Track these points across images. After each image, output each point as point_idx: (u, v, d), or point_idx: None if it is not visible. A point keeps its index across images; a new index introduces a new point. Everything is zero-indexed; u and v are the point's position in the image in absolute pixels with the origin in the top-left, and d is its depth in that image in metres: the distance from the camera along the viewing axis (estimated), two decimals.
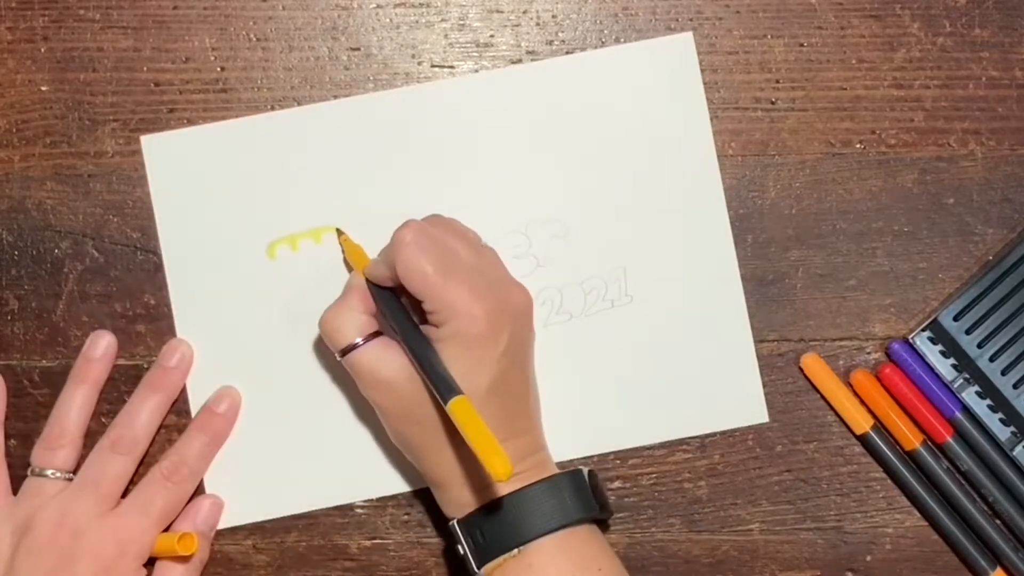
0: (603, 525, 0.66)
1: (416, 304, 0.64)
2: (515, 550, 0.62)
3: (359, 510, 0.70)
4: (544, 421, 0.69)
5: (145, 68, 0.71)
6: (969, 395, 0.70)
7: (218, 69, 0.71)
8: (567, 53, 0.71)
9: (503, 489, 0.63)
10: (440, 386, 0.61)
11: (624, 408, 0.70)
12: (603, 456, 0.70)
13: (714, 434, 0.70)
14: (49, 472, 0.66)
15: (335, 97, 0.71)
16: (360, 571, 0.70)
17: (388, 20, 0.71)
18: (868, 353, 0.71)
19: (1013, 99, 0.71)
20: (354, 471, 0.70)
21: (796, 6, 0.71)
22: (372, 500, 0.70)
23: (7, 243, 0.71)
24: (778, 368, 0.71)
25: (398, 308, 0.65)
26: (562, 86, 0.71)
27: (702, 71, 0.71)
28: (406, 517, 0.71)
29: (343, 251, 0.70)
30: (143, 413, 0.68)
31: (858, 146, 0.71)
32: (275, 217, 0.70)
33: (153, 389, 0.69)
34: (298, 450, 0.70)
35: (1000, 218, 0.71)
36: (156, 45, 0.71)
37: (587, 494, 0.64)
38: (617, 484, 0.71)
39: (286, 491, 0.70)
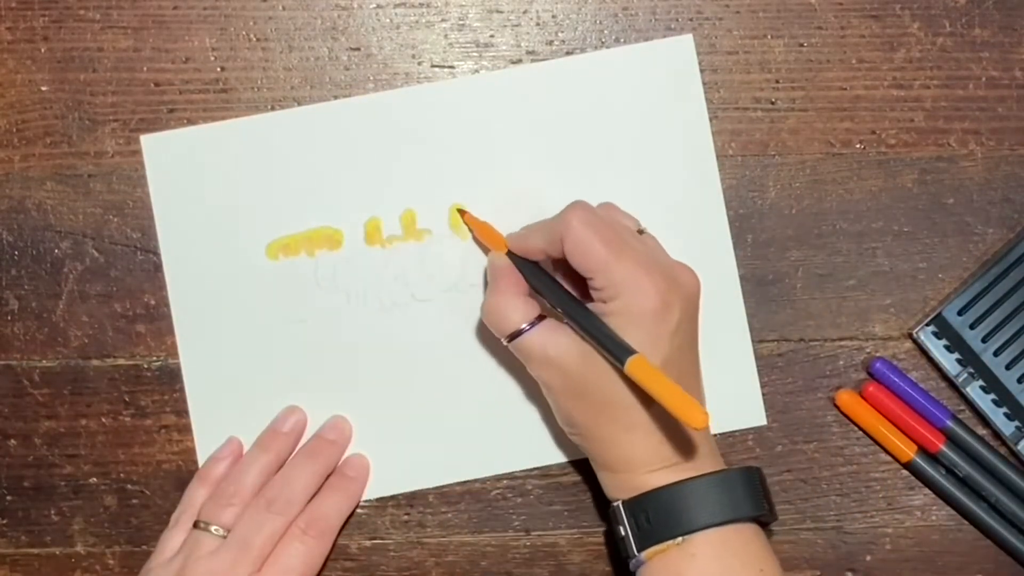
0: (766, 529, 0.65)
1: (575, 282, 0.64)
2: (680, 538, 0.61)
3: (359, 510, 0.70)
4: (544, 425, 0.69)
5: (145, 68, 0.71)
6: (974, 389, 0.70)
7: (218, 69, 0.71)
8: (567, 53, 0.71)
9: (672, 477, 0.62)
10: (614, 350, 0.61)
11: None
12: None
13: (714, 435, 0.70)
14: (213, 528, 0.66)
15: (335, 97, 0.71)
16: (360, 571, 0.70)
17: (388, 20, 0.71)
18: (868, 353, 0.71)
19: (1013, 99, 0.71)
20: (356, 472, 0.70)
21: (796, 6, 0.71)
22: (372, 500, 0.70)
23: (7, 243, 0.71)
24: (778, 368, 0.71)
25: (553, 282, 0.65)
26: (563, 87, 0.71)
27: (702, 71, 0.71)
28: (406, 517, 0.71)
29: (471, 231, 0.70)
30: (298, 476, 0.68)
31: (858, 146, 0.71)
32: (274, 217, 0.70)
33: (309, 456, 0.69)
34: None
35: (1000, 218, 0.71)
36: (156, 45, 0.71)
37: (758, 492, 0.63)
38: None
39: None
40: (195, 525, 0.67)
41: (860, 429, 0.70)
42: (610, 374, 0.62)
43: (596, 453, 0.65)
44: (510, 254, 0.66)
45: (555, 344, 0.63)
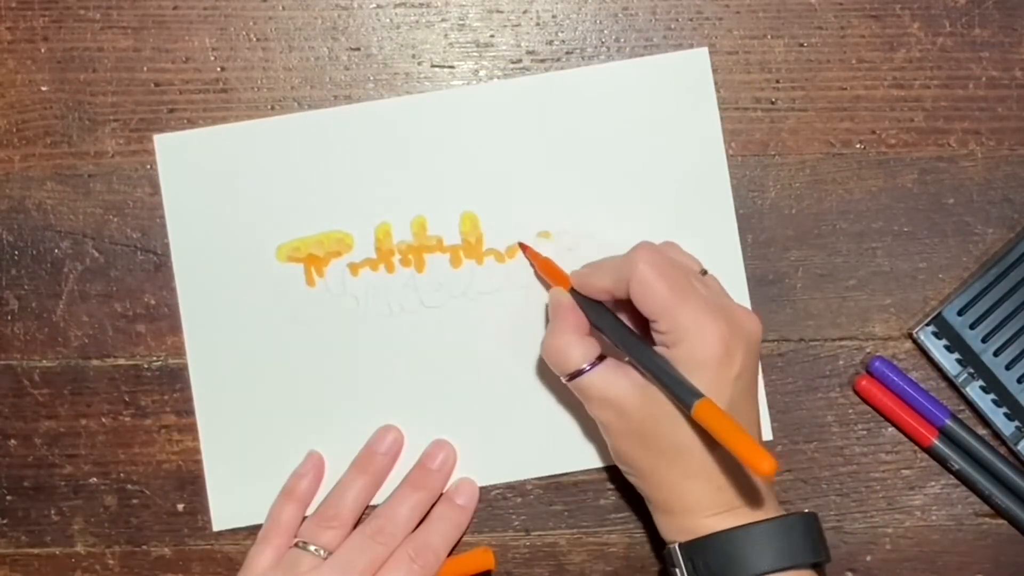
0: (820, 569, 0.65)
1: (639, 323, 0.64)
2: None
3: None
4: (547, 432, 0.69)
5: (145, 68, 0.71)
6: (973, 390, 0.70)
7: (218, 69, 0.71)
8: (567, 53, 0.71)
9: (729, 522, 0.62)
10: (681, 392, 0.60)
11: None
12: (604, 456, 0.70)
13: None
14: (312, 548, 0.67)
15: (335, 97, 0.71)
16: None
17: (388, 20, 0.71)
18: (868, 353, 0.71)
19: (1013, 99, 0.71)
20: None
21: (796, 6, 0.71)
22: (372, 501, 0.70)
23: (7, 243, 0.71)
24: (778, 368, 0.71)
25: (617, 322, 0.65)
26: (578, 97, 0.71)
27: None
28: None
29: (533, 266, 0.70)
30: (403, 508, 0.68)
31: (858, 146, 0.71)
32: (285, 220, 0.70)
33: (414, 488, 0.69)
34: (302, 453, 0.70)
35: (1000, 218, 0.71)
36: (156, 45, 0.71)
37: (815, 537, 0.63)
38: (617, 484, 0.70)
39: None
40: (295, 544, 0.67)
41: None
42: (672, 418, 0.62)
43: (653, 495, 0.64)
44: (573, 292, 0.66)
45: (616, 385, 0.63)
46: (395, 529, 0.67)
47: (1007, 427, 0.70)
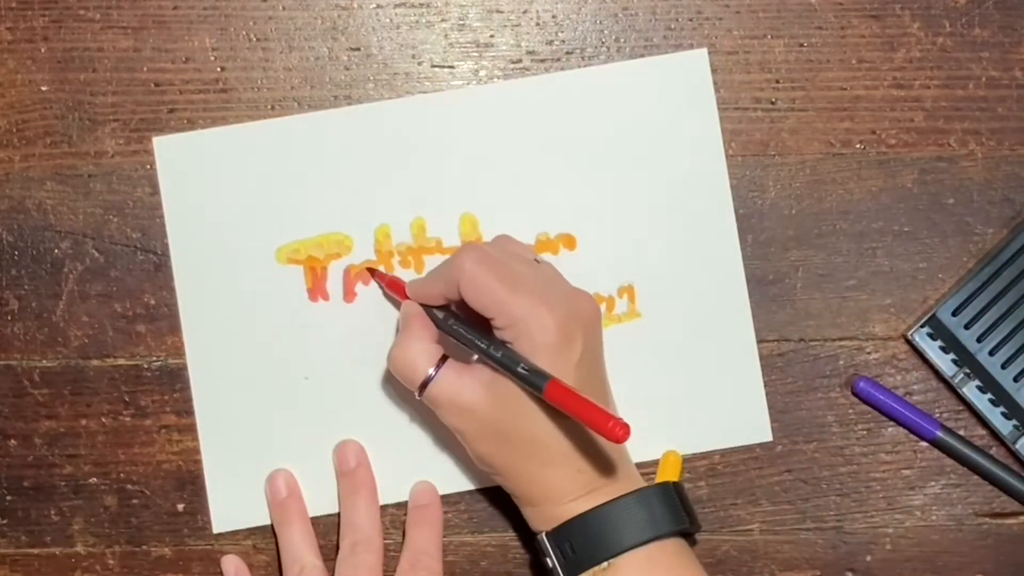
0: (690, 539, 0.66)
1: (479, 323, 0.64)
2: (605, 563, 0.62)
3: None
4: None
5: (145, 68, 0.71)
6: (970, 390, 0.70)
7: (218, 69, 0.71)
8: (567, 53, 0.71)
9: (591, 502, 0.63)
10: (531, 378, 0.61)
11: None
12: None
13: (719, 449, 0.71)
14: None
15: (335, 97, 0.71)
16: None
17: (388, 20, 0.71)
18: (868, 353, 0.71)
19: (1013, 99, 0.71)
20: None
21: (796, 6, 0.71)
22: None
23: (7, 243, 0.71)
24: (778, 368, 0.71)
25: (462, 323, 0.65)
26: (577, 98, 0.71)
27: None
28: (406, 518, 0.71)
29: (382, 288, 0.70)
30: (357, 514, 0.69)
31: (858, 146, 0.71)
32: (285, 222, 0.70)
33: (352, 493, 0.69)
34: (302, 453, 0.70)
35: (1000, 218, 0.71)
36: (156, 45, 0.71)
37: (677, 507, 0.64)
38: None
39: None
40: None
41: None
42: (525, 409, 0.62)
43: (516, 489, 0.65)
44: (423, 304, 0.67)
45: (464, 388, 0.63)
46: (366, 535, 0.68)
47: (1005, 426, 0.70)
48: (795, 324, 0.71)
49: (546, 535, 0.64)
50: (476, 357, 0.64)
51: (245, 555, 0.70)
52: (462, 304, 0.64)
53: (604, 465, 0.63)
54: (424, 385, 0.64)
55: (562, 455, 0.63)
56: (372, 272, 0.70)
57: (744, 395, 0.70)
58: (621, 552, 0.62)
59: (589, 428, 0.60)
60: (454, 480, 0.70)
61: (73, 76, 0.71)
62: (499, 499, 0.70)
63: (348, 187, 0.70)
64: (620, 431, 0.58)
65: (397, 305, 0.69)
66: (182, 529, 0.71)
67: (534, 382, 0.61)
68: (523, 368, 0.61)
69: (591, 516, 0.62)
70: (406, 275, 0.70)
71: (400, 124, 0.71)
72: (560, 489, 0.63)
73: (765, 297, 0.71)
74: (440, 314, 0.66)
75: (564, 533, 0.63)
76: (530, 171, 0.71)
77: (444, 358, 0.64)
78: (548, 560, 0.64)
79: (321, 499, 0.70)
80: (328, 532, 0.70)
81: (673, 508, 0.64)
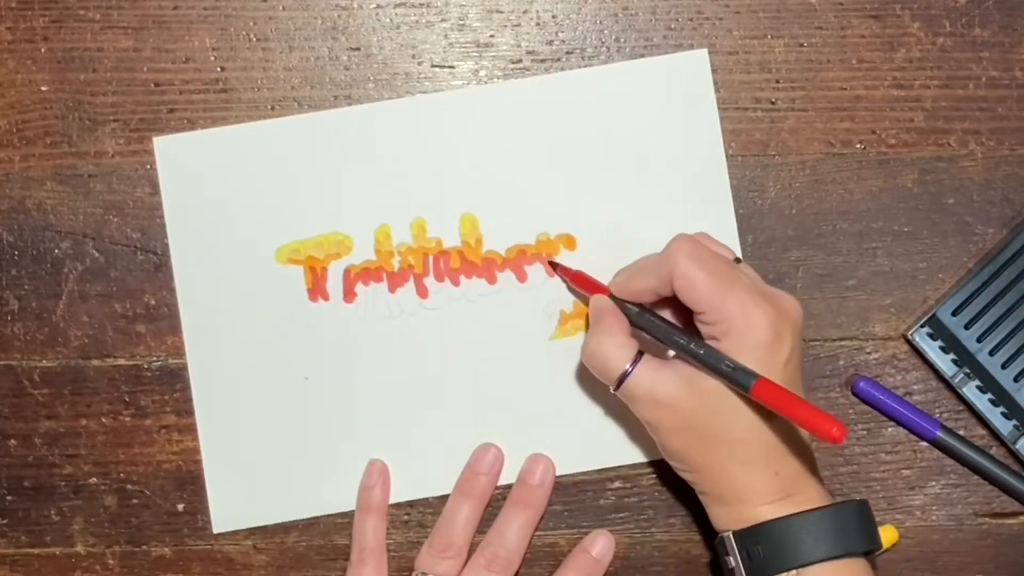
0: (870, 558, 0.65)
1: (681, 319, 0.64)
2: (793, 571, 0.61)
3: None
4: (549, 435, 0.69)
5: (145, 68, 0.71)
6: (970, 390, 0.70)
7: (218, 69, 0.71)
8: (567, 53, 0.71)
9: (785, 509, 0.62)
10: (737, 376, 0.60)
11: (629, 424, 0.70)
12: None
13: None
14: None
15: (335, 97, 0.71)
16: None
17: (388, 20, 0.71)
18: (868, 353, 0.71)
19: (1013, 99, 0.71)
20: (358, 478, 0.70)
21: (796, 6, 0.71)
22: None
23: (7, 243, 0.71)
24: None
25: (659, 319, 0.65)
26: (576, 99, 0.71)
27: None
28: (406, 517, 0.71)
29: (565, 281, 0.70)
30: (512, 530, 0.68)
31: (858, 146, 0.71)
32: (285, 222, 0.70)
33: (519, 507, 0.69)
34: (301, 453, 0.70)
35: (1000, 218, 0.71)
36: (156, 45, 0.71)
37: (870, 526, 0.63)
38: (617, 484, 0.71)
39: (288, 496, 0.70)
40: (412, 574, 0.68)
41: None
42: (727, 406, 0.62)
43: (708, 487, 0.64)
44: (612, 296, 0.66)
45: (663, 383, 0.63)
46: (508, 554, 0.68)
47: (1005, 426, 0.70)
48: None
49: (734, 535, 0.63)
50: (673, 353, 0.64)
51: (245, 555, 0.70)
52: (662, 300, 0.64)
53: (799, 470, 0.63)
54: (621, 380, 0.64)
55: (762, 456, 0.62)
56: (554, 265, 0.70)
57: None
58: (811, 563, 0.61)
59: (802, 427, 0.59)
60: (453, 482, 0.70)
61: (73, 76, 0.71)
62: (499, 500, 0.70)
63: (348, 187, 0.70)
64: (837, 431, 0.57)
65: (401, 304, 0.70)
66: (182, 529, 0.71)
67: (740, 380, 0.60)
68: (727, 365, 0.61)
69: (785, 523, 0.61)
70: (406, 275, 0.70)
71: (400, 124, 0.71)
72: (754, 490, 0.62)
73: None
74: (634, 309, 0.65)
75: (754, 536, 0.62)
76: (530, 171, 0.71)
77: (640, 353, 0.64)
78: (731, 559, 0.63)
79: (321, 499, 0.70)
80: (329, 532, 0.70)
81: (866, 527, 0.63)
